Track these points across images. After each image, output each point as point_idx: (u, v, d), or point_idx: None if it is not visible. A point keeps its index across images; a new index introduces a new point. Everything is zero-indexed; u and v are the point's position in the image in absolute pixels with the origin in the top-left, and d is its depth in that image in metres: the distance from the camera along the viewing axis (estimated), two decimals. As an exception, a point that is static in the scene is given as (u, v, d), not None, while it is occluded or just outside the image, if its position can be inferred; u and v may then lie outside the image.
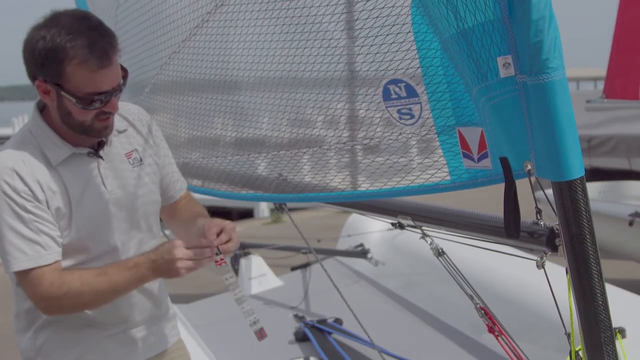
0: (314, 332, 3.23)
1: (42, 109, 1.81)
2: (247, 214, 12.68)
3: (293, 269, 4.43)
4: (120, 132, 1.88)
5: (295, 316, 3.54)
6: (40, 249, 1.70)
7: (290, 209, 2.71)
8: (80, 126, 1.73)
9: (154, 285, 1.97)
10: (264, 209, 12.34)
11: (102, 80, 1.67)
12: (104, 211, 1.81)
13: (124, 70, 1.74)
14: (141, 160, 1.91)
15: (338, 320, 3.36)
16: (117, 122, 1.85)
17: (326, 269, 3.00)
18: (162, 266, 1.73)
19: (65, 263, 1.77)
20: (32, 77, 1.71)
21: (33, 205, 1.70)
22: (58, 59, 1.63)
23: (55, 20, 1.66)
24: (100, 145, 1.82)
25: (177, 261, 1.71)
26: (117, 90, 1.71)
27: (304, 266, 4.30)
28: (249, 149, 2.29)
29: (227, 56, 2.05)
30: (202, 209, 2.10)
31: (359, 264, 4.30)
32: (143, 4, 2.30)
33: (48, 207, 1.72)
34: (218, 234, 1.77)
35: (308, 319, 3.44)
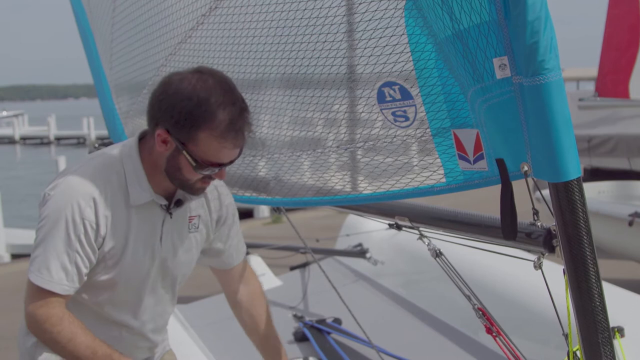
0: (313, 332, 3.23)
1: (140, 138, 1.80)
2: (247, 214, 12.68)
3: (292, 268, 4.42)
4: None
5: (294, 316, 3.54)
6: (64, 278, 1.70)
7: (289, 209, 2.71)
8: (182, 182, 1.74)
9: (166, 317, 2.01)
10: (264, 209, 12.34)
11: (229, 156, 1.69)
12: (148, 266, 1.83)
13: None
14: (198, 227, 1.93)
15: (337, 320, 3.36)
16: None
17: (325, 268, 3.00)
18: None
19: (88, 294, 1.80)
20: (155, 122, 1.70)
21: (87, 239, 1.70)
22: (196, 124, 1.62)
23: (203, 81, 1.64)
24: (177, 203, 1.83)
25: None
26: (233, 162, 1.72)
27: (303, 266, 4.30)
28: (247, 150, 2.29)
29: (222, 58, 2.06)
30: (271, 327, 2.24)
31: (357, 263, 4.30)
32: (139, 7, 2.30)
33: (102, 244, 1.74)
34: None
35: (307, 318, 3.44)
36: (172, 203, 1.82)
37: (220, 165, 1.69)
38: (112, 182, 1.73)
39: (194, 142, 1.65)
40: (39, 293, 1.70)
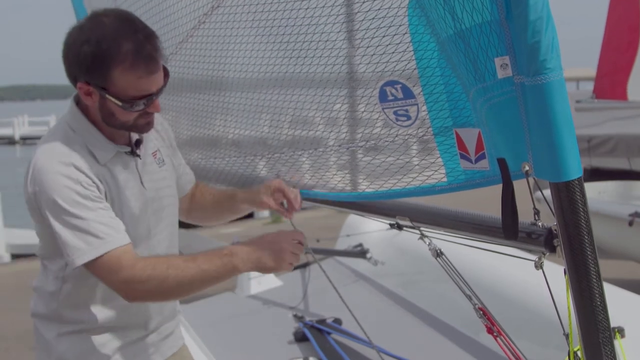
0: (313, 332, 3.23)
1: (77, 102, 1.79)
2: (247, 214, 12.67)
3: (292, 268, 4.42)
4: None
5: (295, 316, 3.54)
6: (112, 232, 1.66)
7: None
8: (123, 125, 1.74)
9: None
10: (264, 208, 12.33)
11: (149, 84, 1.67)
12: (142, 209, 1.82)
13: (165, 70, 1.74)
14: (163, 160, 1.95)
15: (337, 320, 3.36)
16: None
17: (325, 268, 3.00)
18: (264, 257, 1.71)
19: None
20: (73, 78, 1.70)
21: (96, 195, 1.68)
22: (105, 64, 1.62)
23: (98, 22, 1.64)
24: (137, 143, 1.84)
25: (287, 252, 1.71)
26: (160, 91, 1.71)
27: (304, 266, 4.30)
28: (248, 150, 2.30)
29: (224, 57, 2.06)
30: (222, 188, 2.20)
31: (358, 263, 4.30)
32: (140, 6, 2.29)
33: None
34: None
35: (307, 319, 3.44)
36: (133, 145, 1.83)
37: (147, 96, 1.67)
38: (77, 151, 1.71)
39: (112, 82, 1.64)
40: (106, 261, 1.64)
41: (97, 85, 1.65)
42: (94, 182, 1.68)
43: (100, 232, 1.64)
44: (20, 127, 44.80)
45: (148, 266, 1.65)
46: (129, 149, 1.82)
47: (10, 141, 43.20)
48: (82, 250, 1.63)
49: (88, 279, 1.76)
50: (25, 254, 10.13)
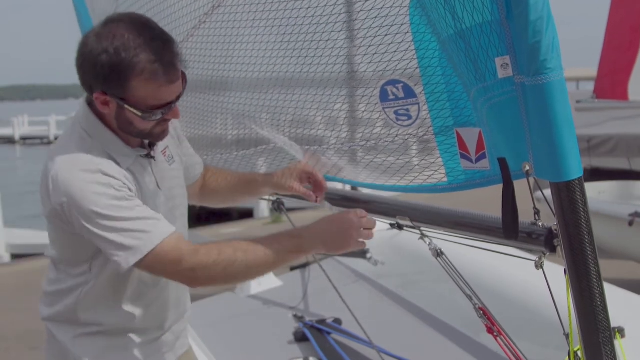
0: (313, 332, 3.23)
1: (89, 103, 1.72)
2: (247, 214, 12.68)
3: (292, 268, 4.42)
4: None
5: (295, 316, 3.54)
6: (157, 223, 1.62)
7: (289, 209, 2.71)
8: (140, 133, 1.69)
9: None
10: (263, 208, 12.34)
11: (169, 93, 1.62)
12: (160, 210, 1.78)
13: (183, 75, 1.68)
14: (172, 157, 1.92)
15: (337, 321, 3.35)
16: None
17: (325, 268, 3.00)
18: (333, 238, 1.68)
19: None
20: (89, 87, 1.64)
21: (130, 195, 1.63)
22: (123, 75, 1.56)
23: (114, 30, 1.58)
24: (151, 145, 1.81)
25: (355, 230, 1.68)
26: (179, 98, 1.66)
27: (304, 266, 4.30)
28: (249, 149, 2.30)
29: (225, 57, 2.06)
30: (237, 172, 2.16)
31: (358, 263, 4.29)
32: (142, 5, 2.30)
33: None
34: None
35: (307, 319, 3.44)
36: (148, 148, 1.79)
37: (166, 105, 1.63)
38: (99, 157, 1.66)
39: (131, 93, 1.59)
40: (164, 253, 1.60)
41: (116, 95, 1.60)
42: (124, 184, 1.64)
43: (145, 226, 1.60)
44: (20, 127, 44.82)
45: (213, 251, 1.62)
46: (145, 152, 1.78)
47: (10, 141, 43.23)
48: (133, 249, 1.59)
49: (112, 282, 1.75)
50: (25, 254, 10.14)
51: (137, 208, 1.63)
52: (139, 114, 1.62)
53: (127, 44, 1.55)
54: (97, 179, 1.60)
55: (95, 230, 1.59)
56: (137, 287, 1.79)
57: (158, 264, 1.62)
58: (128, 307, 1.81)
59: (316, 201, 2.02)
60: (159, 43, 1.59)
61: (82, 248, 1.70)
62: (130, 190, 1.65)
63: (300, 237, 1.69)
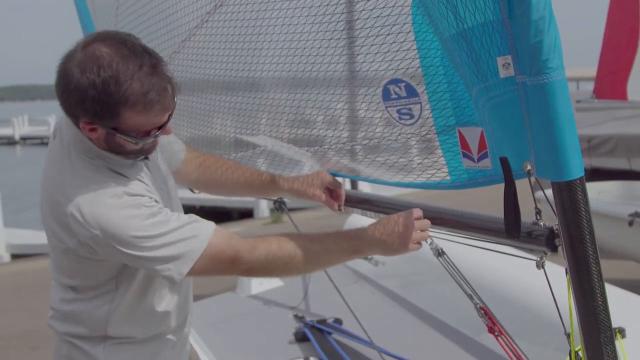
0: (314, 332, 3.23)
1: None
2: (247, 214, 12.69)
3: (293, 268, 4.42)
4: None
5: (295, 316, 3.54)
6: (198, 224, 1.58)
7: (290, 209, 2.71)
8: (131, 152, 1.62)
9: (189, 281, 1.92)
10: (264, 208, 12.35)
11: (162, 117, 1.55)
12: (169, 207, 1.73)
13: (173, 88, 1.57)
14: (156, 151, 1.86)
15: (338, 321, 3.35)
16: None
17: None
18: (390, 240, 1.66)
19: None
20: (74, 117, 1.54)
21: (160, 207, 1.59)
22: (115, 109, 1.47)
23: (99, 58, 1.45)
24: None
25: (412, 231, 1.65)
26: (172, 116, 1.59)
27: (304, 266, 4.30)
28: (249, 149, 2.30)
29: (226, 56, 2.06)
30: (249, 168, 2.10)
31: (358, 264, 4.29)
32: (143, 4, 2.30)
33: None
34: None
35: (308, 319, 3.44)
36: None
37: (160, 127, 1.56)
38: (114, 178, 1.61)
39: (122, 122, 1.50)
40: (218, 253, 1.57)
41: (107, 126, 1.52)
42: (150, 197, 1.59)
43: (187, 233, 1.56)
44: (20, 127, 44.82)
45: (273, 246, 1.60)
46: (142, 156, 1.70)
47: (10, 141, 43.22)
48: (182, 258, 1.55)
49: (139, 293, 1.73)
50: (24, 254, 10.14)
51: (172, 218, 1.58)
52: (133, 141, 1.55)
53: (116, 75, 1.45)
54: (125, 203, 1.54)
55: (139, 253, 1.54)
56: (160, 291, 1.77)
57: (212, 265, 1.59)
58: (156, 316, 1.79)
59: (338, 209, 2.04)
60: (148, 68, 1.48)
61: (106, 270, 1.67)
62: (156, 202, 1.61)
63: (359, 238, 1.67)
